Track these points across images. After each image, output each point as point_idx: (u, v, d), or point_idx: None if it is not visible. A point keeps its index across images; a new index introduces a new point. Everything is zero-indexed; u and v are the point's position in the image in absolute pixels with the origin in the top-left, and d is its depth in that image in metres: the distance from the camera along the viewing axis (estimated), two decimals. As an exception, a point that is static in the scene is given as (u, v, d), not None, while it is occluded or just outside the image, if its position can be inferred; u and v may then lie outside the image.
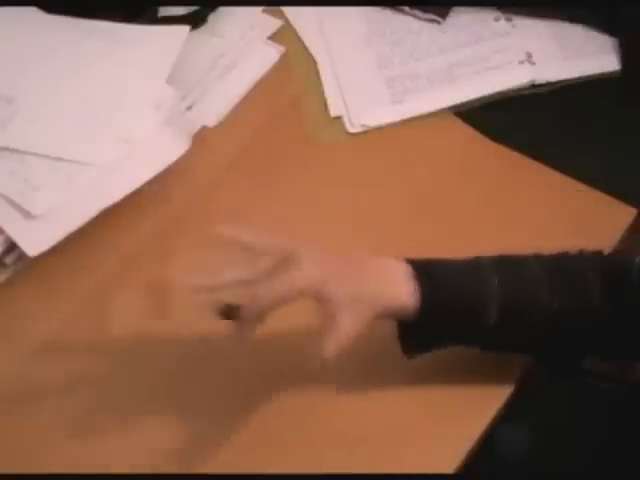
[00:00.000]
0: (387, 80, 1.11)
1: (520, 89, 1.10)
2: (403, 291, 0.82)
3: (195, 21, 1.13)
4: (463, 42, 1.14)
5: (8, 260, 0.95)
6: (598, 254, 0.87)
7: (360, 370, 0.90)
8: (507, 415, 0.89)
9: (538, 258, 0.86)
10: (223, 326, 0.92)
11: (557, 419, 1.01)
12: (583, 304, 0.84)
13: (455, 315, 0.83)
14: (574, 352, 0.87)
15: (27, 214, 0.95)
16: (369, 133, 1.07)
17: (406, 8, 1.16)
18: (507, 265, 0.85)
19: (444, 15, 1.16)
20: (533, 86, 1.10)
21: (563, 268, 0.86)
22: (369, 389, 0.90)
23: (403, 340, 0.86)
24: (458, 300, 0.83)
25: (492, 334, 0.84)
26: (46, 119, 1.01)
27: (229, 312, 0.83)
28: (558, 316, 0.83)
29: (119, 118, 1.01)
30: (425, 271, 0.82)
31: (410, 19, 1.16)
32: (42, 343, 0.93)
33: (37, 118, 1.01)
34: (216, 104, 1.09)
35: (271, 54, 1.13)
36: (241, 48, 1.13)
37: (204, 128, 1.07)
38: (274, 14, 1.17)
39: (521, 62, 1.11)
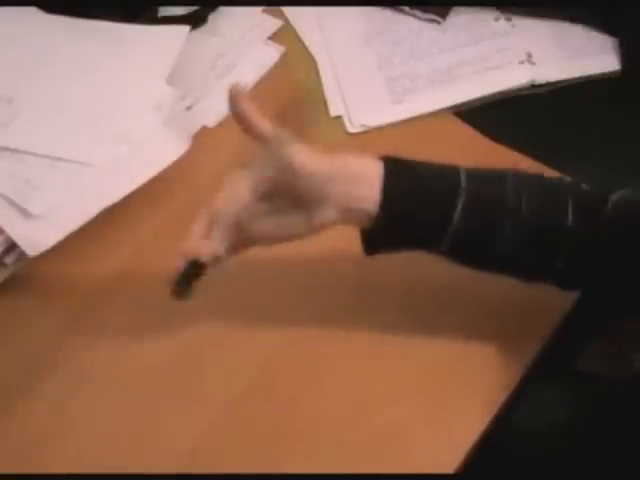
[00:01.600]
0: (387, 80, 1.11)
1: (520, 89, 1.10)
2: (369, 192, 0.82)
3: (195, 21, 1.13)
4: (463, 42, 1.14)
5: (8, 260, 0.95)
6: (577, 184, 0.86)
7: (360, 370, 0.91)
8: (506, 415, 0.89)
9: (515, 171, 0.85)
10: (224, 327, 0.92)
11: (555, 420, 1.01)
12: (555, 218, 0.83)
13: (417, 219, 0.82)
14: (536, 269, 0.86)
15: (27, 214, 0.95)
16: (369, 133, 1.07)
17: (406, 8, 1.16)
18: (480, 169, 0.85)
19: (444, 15, 1.16)
20: (533, 86, 1.10)
21: (539, 181, 0.85)
22: (369, 389, 0.90)
23: (365, 237, 0.85)
24: (423, 191, 0.82)
25: (455, 240, 0.82)
26: (46, 119, 1.01)
27: (195, 268, 0.83)
28: (526, 222, 0.82)
29: (119, 118, 1.01)
30: (396, 170, 0.83)
31: (410, 19, 1.16)
32: (42, 343, 0.93)
33: (37, 118, 1.01)
34: (216, 104, 1.09)
35: (271, 54, 1.13)
36: (241, 48, 1.13)
37: (204, 128, 1.07)
38: (274, 14, 1.17)
39: (521, 62, 1.11)
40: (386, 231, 0.83)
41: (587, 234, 0.83)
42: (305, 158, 0.82)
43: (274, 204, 0.84)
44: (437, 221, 0.83)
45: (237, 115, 0.84)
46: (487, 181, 0.84)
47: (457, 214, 0.82)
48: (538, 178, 0.86)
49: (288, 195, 0.83)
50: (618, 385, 1.03)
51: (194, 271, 0.84)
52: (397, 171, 0.83)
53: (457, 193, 0.82)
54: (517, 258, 0.84)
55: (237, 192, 0.83)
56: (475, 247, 0.84)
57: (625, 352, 1.22)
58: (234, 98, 0.84)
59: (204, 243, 0.84)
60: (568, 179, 0.87)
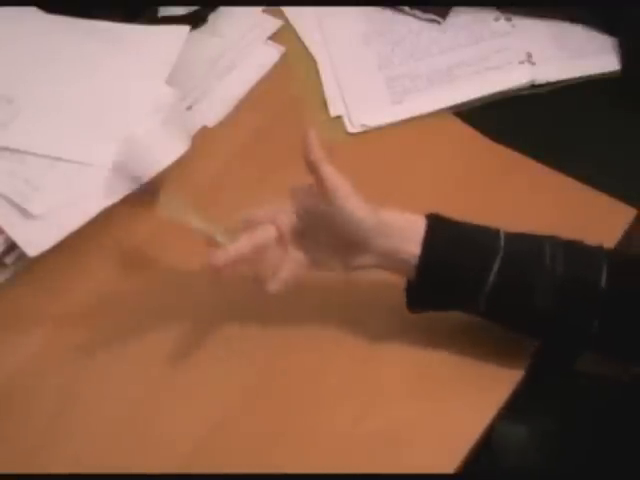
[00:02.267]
0: (387, 80, 1.11)
1: (520, 89, 1.10)
2: (411, 246, 0.84)
3: (195, 21, 1.13)
4: (463, 42, 1.14)
5: (8, 260, 0.95)
6: (612, 250, 0.88)
7: (360, 371, 0.90)
8: (505, 415, 0.89)
9: (552, 235, 0.87)
10: (224, 326, 0.92)
11: (554, 420, 1.01)
12: (589, 278, 0.84)
13: (456, 271, 0.84)
14: (567, 330, 0.86)
15: (27, 214, 0.95)
16: (369, 133, 1.07)
17: (406, 8, 1.16)
18: (516, 233, 0.86)
19: (444, 15, 1.16)
20: (533, 86, 1.10)
21: (576, 244, 0.87)
22: (369, 390, 0.90)
23: (408, 293, 0.87)
24: (460, 255, 0.84)
25: (492, 293, 0.84)
26: (46, 119, 1.01)
27: None
28: (560, 283, 0.83)
29: (119, 118, 1.01)
30: (438, 226, 0.85)
31: (410, 19, 1.16)
32: (42, 343, 0.93)
33: (37, 118, 1.01)
34: (216, 104, 1.09)
35: (271, 54, 1.13)
36: (241, 48, 1.13)
37: (204, 128, 1.07)
38: (274, 14, 1.17)
39: (521, 62, 1.11)
40: (425, 283, 0.85)
41: (620, 296, 0.84)
42: (356, 206, 0.83)
43: (315, 240, 0.86)
44: (476, 274, 0.84)
45: (310, 163, 0.85)
46: (524, 241, 0.86)
47: (495, 268, 0.83)
48: (575, 241, 0.87)
49: (332, 236, 0.85)
50: (618, 386, 1.03)
51: None
52: (439, 227, 0.85)
53: (496, 248, 0.84)
54: (552, 317, 0.85)
55: (283, 214, 0.86)
56: (511, 303, 0.85)
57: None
58: (309, 145, 0.85)
59: None
60: (605, 247, 0.88)
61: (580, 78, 1.10)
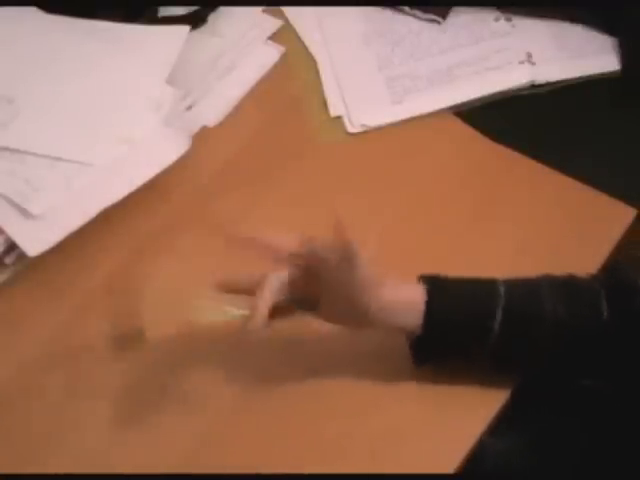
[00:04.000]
0: (387, 80, 1.11)
1: (520, 89, 1.10)
2: (414, 316, 0.84)
3: (195, 21, 1.13)
4: (463, 42, 1.14)
5: (8, 260, 0.95)
6: (609, 277, 0.88)
7: (360, 370, 0.90)
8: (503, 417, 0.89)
9: (548, 276, 0.87)
10: (221, 330, 0.92)
11: (553, 420, 1.01)
12: (591, 316, 0.84)
13: (460, 325, 0.84)
14: (576, 369, 0.87)
15: (27, 214, 0.95)
16: (369, 133, 1.07)
17: (406, 8, 1.16)
18: (516, 279, 0.86)
19: (444, 15, 1.16)
20: (533, 86, 1.10)
21: (572, 282, 0.87)
22: (369, 389, 0.90)
23: (412, 350, 0.87)
24: (463, 309, 0.84)
25: (497, 343, 0.84)
26: (46, 119, 1.01)
27: None
28: (564, 325, 0.84)
29: (119, 118, 1.01)
30: (437, 291, 0.85)
31: (410, 19, 1.16)
32: (42, 343, 0.93)
33: (37, 118, 1.01)
34: (216, 104, 1.09)
35: (271, 54, 1.13)
36: (241, 48, 1.13)
37: (204, 128, 1.07)
38: (274, 14, 1.17)
39: (521, 62, 1.11)
40: (429, 347, 0.86)
41: (622, 326, 0.84)
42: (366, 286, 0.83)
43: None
44: (478, 330, 0.84)
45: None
46: (523, 289, 0.86)
47: (497, 324, 0.84)
48: (570, 278, 0.87)
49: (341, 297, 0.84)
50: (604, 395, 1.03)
51: None
52: (438, 291, 0.85)
53: (496, 303, 0.84)
54: (558, 361, 0.86)
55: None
56: (516, 356, 0.86)
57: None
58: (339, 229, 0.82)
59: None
60: (599, 276, 0.88)
61: (580, 78, 1.10)
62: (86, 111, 1.01)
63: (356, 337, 0.91)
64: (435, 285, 0.85)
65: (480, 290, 0.86)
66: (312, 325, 0.90)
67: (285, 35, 1.15)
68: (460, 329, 0.85)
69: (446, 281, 0.86)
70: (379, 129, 1.08)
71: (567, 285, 0.87)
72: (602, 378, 0.89)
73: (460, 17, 1.16)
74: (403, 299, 0.85)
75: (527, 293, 0.85)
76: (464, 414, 0.88)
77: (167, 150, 0.99)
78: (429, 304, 0.84)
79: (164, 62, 1.05)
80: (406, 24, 1.16)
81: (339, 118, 1.09)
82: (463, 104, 1.09)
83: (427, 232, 0.99)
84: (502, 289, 0.85)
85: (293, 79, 1.12)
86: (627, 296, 0.85)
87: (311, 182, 1.03)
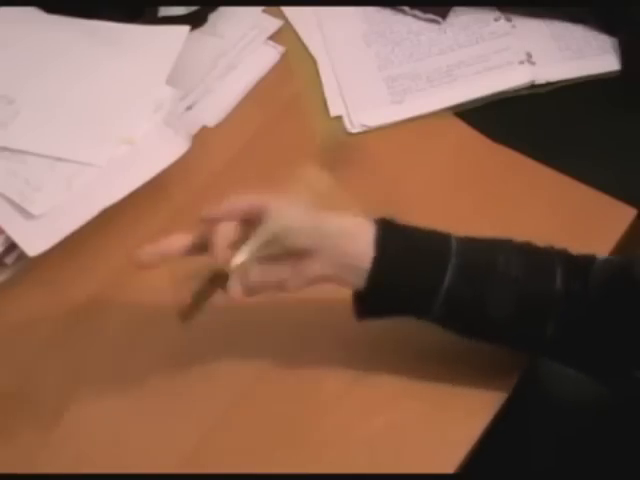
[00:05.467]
0: (387, 80, 1.11)
1: (520, 89, 1.10)
2: (363, 250, 0.82)
3: (195, 21, 1.13)
4: (463, 42, 1.14)
5: (8, 260, 0.95)
6: (565, 250, 0.86)
7: (360, 370, 0.90)
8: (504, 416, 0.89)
9: (505, 239, 0.85)
10: (225, 326, 0.92)
11: (559, 420, 1.01)
12: (545, 280, 0.83)
13: (409, 279, 0.83)
14: (529, 339, 0.86)
15: (27, 214, 0.95)
16: (369, 133, 1.07)
17: (406, 8, 1.16)
18: (468, 238, 0.85)
19: (444, 15, 1.16)
20: (533, 86, 1.10)
21: (530, 248, 0.86)
22: (369, 389, 0.90)
23: (356, 302, 0.86)
24: (416, 253, 0.83)
25: (447, 301, 0.83)
26: (47, 119, 1.01)
27: (217, 278, 0.82)
28: (516, 287, 0.83)
29: (119, 118, 1.01)
30: (389, 231, 0.83)
31: (410, 19, 1.16)
32: (42, 343, 0.93)
33: (38, 118, 1.01)
34: (216, 104, 1.09)
35: (271, 54, 1.13)
36: (241, 48, 1.13)
37: (204, 128, 1.07)
38: (274, 14, 1.17)
39: (521, 62, 1.11)
40: (378, 291, 0.83)
41: (574, 298, 0.83)
42: (291, 218, 0.81)
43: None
44: (429, 282, 0.83)
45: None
46: (477, 246, 0.85)
47: (448, 277, 0.82)
48: (527, 245, 0.86)
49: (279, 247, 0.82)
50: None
51: (213, 285, 0.83)
52: (390, 232, 0.83)
53: (448, 257, 0.83)
54: (508, 323, 0.84)
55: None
56: (466, 311, 0.84)
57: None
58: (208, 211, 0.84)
59: (229, 252, 0.82)
60: (557, 247, 0.87)
61: (580, 78, 1.10)
62: (86, 111, 1.01)
63: (356, 337, 0.91)
64: (388, 226, 0.83)
65: (434, 243, 0.84)
66: (311, 325, 0.91)
67: (285, 35, 1.15)
68: (411, 276, 0.83)
69: (399, 226, 0.84)
70: (379, 129, 1.08)
71: (525, 247, 0.85)
72: (547, 349, 0.87)
73: (460, 17, 1.16)
74: (351, 228, 0.83)
75: (481, 253, 0.84)
76: (464, 414, 0.88)
77: (167, 150, 0.99)
78: (380, 241, 0.82)
79: (164, 62, 1.05)
80: (406, 24, 1.16)
81: (339, 118, 1.09)
82: (463, 104, 1.09)
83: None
84: (454, 246, 0.83)
85: (293, 79, 1.12)
86: (581, 269, 0.84)
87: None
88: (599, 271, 0.84)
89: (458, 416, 0.88)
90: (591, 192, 1.01)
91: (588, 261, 0.85)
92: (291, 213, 0.82)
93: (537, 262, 0.85)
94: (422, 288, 0.83)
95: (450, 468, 0.85)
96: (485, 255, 0.84)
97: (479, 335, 0.86)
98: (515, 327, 0.84)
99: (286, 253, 0.82)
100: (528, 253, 0.85)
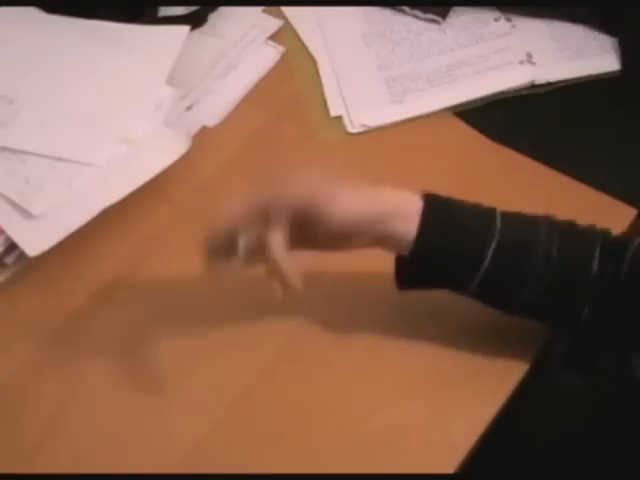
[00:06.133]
0: (387, 80, 1.11)
1: (520, 89, 1.10)
2: (407, 227, 0.83)
3: (195, 21, 1.13)
4: (463, 42, 1.14)
5: (8, 260, 0.95)
6: (606, 231, 0.87)
7: (360, 371, 0.91)
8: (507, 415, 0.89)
9: (548, 216, 0.86)
10: (225, 326, 0.92)
11: (560, 419, 1.01)
12: (582, 264, 0.84)
13: (451, 254, 0.83)
14: (564, 320, 0.87)
15: (27, 214, 0.95)
16: (369, 133, 1.07)
17: (406, 8, 1.16)
18: (514, 213, 0.86)
19: (444, 15, 1.16)
20: (533, 86, 1.10)
21: (570, 228, 0.86)
22: (369, 389, 0.90)
23: (398, 272, 0.86)
24: (460, 229, 0.83)
25: (485, 278, 0.83)
26: (47, 119, 1.01)
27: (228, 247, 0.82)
28: (553, 266, 0.83)
29: (119, 118, 1.01)
30: (435, 206, 0.84)
31: (410, 19, 1.16)
32: (42, 343, 0.93)
33: (38, 118, 1.01)
34: (216, 104, 1.09)
35: (271, 54, 1.13)
36: (241, 48, 1.13)
37: (204, 128, 1.07)
38: (274, 14, 1.17)
39: (521, 62, 1.11)
40: (420, 264, 0.84)
41: (607, 281, 0.84)
42: (345, 205, 0.82)
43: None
44: (470, 260, 0.84)
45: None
46: (520, 224, 0.85)
47: (490, 255, 0.83)
48: (570, 224, 0.87)
49: (324, 232, 0.83)
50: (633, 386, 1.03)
51: None
52: (436, 207, 0.84)
53: (492, 234, 0.84)
54: (545, 303, 0.85)
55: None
56: (504, 289, 0.85)
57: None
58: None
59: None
60: (599, 227, 0.88)
61: (580, 78, 1.10)
62: (86, 111, 1.01)
63: (356, 337, 0.91)
64: (434, 202, 0.84)
65: (478, 219, 0.84)
66: (311, 325, 0.91)
67: (285, 35, 1.15)
68: (453, 252, 0.83)
69: (446, 201, 0.85)
70: (379, 129, 1.08)
71: (566, 228, 0.86)
72: (580, 330, 0.87)
73: (460, 17, 1.16)
74: (397, 202, 0.83)
75: (523, 232, 0.85)
76: (464, 414, 0.88)
77: (167, 150, 0.99)
78: (425, 216, 0.83)
79: (164, 62, 1.05)
80: (406, 24, 1.16)
81: (339, 118, 1.09)
82: (463, 104, 1.09)
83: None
84: (499, 222, 0.84)
85: (293, 79, 1.12)
86: (618, 252, 0.85)
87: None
88: (632, 254, 0.84)
89: (458, 416, 0.88)
90: (591, 192, 1.01)
91: (624, 245, 0.85)
92: (342, 202, 0.82)
93: (578, 244, 0.85)
94: (464, 261, 0.84)
95: (450, 468, 0.85)
96: (528, 233, 0.85)
97: (515, 311, 0.87)
98: (550, 307, 0.85)
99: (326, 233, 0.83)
100: (570, 234, 0.86)
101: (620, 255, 0.85)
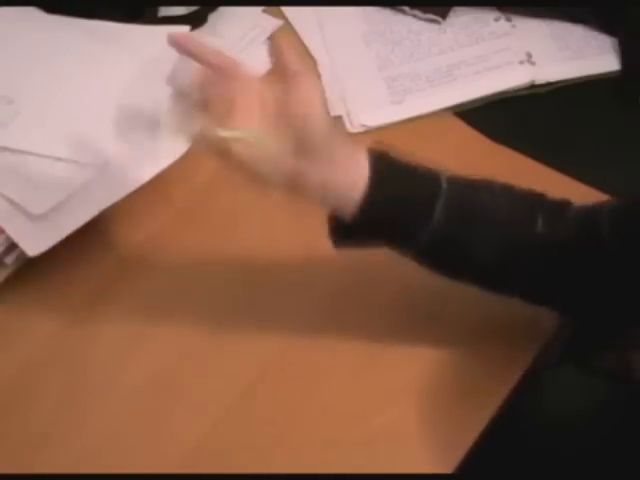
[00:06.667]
0: (387, 80, 1.11)
1: (520, 89, 1.10)
2: (358, 176, 0.82)
3: (195, 21, 1.13)
4: (463, 42, 1.14)
5: (8, 260, 0.95)
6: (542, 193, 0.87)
7: (360, 371, 0.91)
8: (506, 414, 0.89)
9: (491, 180, 0.86)
10: (225, 326, 0.92)
11: (561, 419, 1.01)
12: (526, 223, 0.84)
13: (404, 197, 0.83)
14: (509, 281, 0.86)
15: (27, 214, 0.94)
16: (369, 133, 1.07)
17: (406, 8, 1.16)
18: (459, 176, 0.85)
19: (444, 15, 1.16)
20: (533, 86, 1.10)
21: (511, 191, 0.86)
22: (369, 390, 0.90)
23: (334, 227, 0.85)
24: (404, 193, 0.83)
25: (436, 230, 0.82)
26: (47, 119, 1.01)
27: None
28: (499, 227, 0.83)
29: (119, 118, 1.01)
30: (382, 166, 0.83)
31: (410, 19, 1.16)
32: (42, 343, 0.93)
33: (38, 118, 1.01)
34: (216, 104, 1.09)
35: (271, 54, 1.13)
36: (241, 48, 1.13)
37: (204, 128, 1.07)
38: (274, 14, 1.17)
39: (521, 62, 1.11)
40: (370, 214, 0.82)
41: (553, 238, 0.84)
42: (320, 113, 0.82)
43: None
44: (420, 212, 0.83)
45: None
46: (466, 187, 0.85)
47: (438, 209, 0.82)
48: (511, 187, 0.86)
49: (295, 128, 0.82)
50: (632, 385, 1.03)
51: None
52: (385, 165, 0.83)
53: (438, 195, 0.83)
54: (492, 266, 0.85)
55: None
56: (453, 247, 0.84)
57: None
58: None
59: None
60: (535, 190, 0.87)
61: (580, 78, 1.10)
62: (86, 111, 1.01)
63: (356, 337, 0.91)
64: (383, 157, 0.84)
65: (426, 175, 0.84)
66: (311, 325, 0.91)
67: (285, 35, 1.15)
68: (407, 198, 0.83)
69: (392, 160, 0.84)
70: (379, 129, 1.08)
71: (508, 190, 0.86)
72: (532, 296, 0.87)
73: (460, 17, 1.16)
74: (352, 150, 0.83)
75: (469, 194, 0.84)
76: (463, 414, 0.88)
77: (167, 150, 0.99)
78: (376, 168, 0.82)
79: (164, 62, 1.05)
80: (406, 24, 1.16)
81: (339, 118, 1.08)
82: (463, 104, 1.09)
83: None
84: (445, 183, 0.84)
85: (293, 79, 1.12)
86: (560, 210, 0.85)
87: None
88: (608, 219, 0.84)
89: (458, 416, 0.88)
90: (591, 192, 1.01)
91: (564, 202, 0.86)
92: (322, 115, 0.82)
93: (519, 206, 0.85)
94: (416, 211, 0.83)
95: (449, 468, 0.85)
96: (473, 196, 0.84)
97: (461, 275, 0.86)
98: (498, 269, 0.85)
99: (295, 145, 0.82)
100: (513, 197, 0.85)
101: (562, 216, 0.84)
